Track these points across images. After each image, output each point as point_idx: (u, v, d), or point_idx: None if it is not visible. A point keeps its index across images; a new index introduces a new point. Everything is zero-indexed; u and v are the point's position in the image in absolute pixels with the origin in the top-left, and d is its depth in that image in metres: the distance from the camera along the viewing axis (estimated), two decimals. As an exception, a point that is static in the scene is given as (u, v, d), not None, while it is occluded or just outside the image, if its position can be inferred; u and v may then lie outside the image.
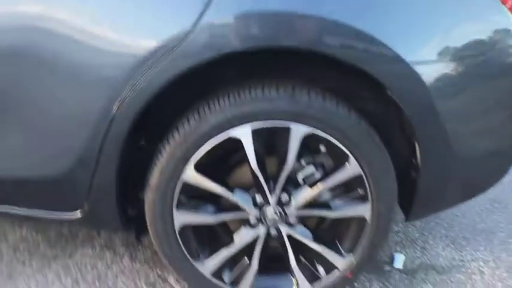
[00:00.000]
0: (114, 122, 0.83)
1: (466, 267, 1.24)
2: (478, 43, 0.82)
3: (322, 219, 1.00)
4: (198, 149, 0.85)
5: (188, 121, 0.85)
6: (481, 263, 1.25)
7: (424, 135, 0.84)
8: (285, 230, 0.93)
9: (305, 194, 0.90)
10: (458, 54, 0.81)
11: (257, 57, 0.79)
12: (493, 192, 1.68)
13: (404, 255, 1.28)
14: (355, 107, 0.85)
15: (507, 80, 0.87)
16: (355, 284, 1.14)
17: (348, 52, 0.76)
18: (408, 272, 1.21)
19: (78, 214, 0.98)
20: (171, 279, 1.15)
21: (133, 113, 0.82)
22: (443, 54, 0.80)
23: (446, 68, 0.80)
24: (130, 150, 0.91)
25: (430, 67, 0.79)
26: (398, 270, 1.22)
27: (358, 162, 0.84)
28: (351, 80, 0.87)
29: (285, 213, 0.91)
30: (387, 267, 1.23)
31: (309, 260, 0.99)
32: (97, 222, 1.03)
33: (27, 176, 0.95)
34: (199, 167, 0.88)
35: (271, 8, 0.75)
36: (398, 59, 0.76)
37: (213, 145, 0.85)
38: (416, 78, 0.78)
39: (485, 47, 0.83)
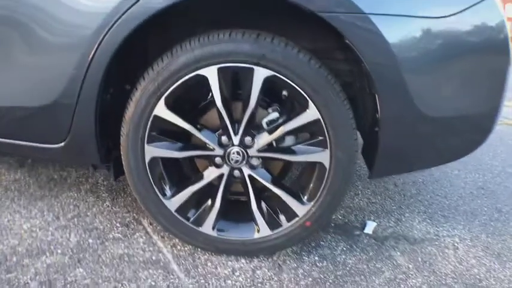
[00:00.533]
0: (92, 63, 0.89)
1: (440, 241, 1.23)
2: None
3: (287, 167, 1.03)
4: (169, 85, 0.90)
5: (162, 60, 0.91)
6: (457, 240, 1.24)
7: (383, 88, 0.86)
8: (246, 171, 0.97)
9: (266, 137, 0.93)
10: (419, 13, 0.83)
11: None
12: (482, 179, 1.68)
13: (377, 224, 1.29)
14: (328, 67, 0.89)
15: (475, 44, 0.87)
16: (321, 242, 1.16)
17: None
18: (378, 238, 1.22)
19: (60, 146, 1.05)
20: (145, 222, 1.21)
21: (110, 53, 0.88)
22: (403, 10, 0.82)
23: (406, 23, 0.83)
24: (114, 93, 0.97)
25: (390, 20, 0.82)
26: (368, 235, 1.22)
27: (317, 108, 0.87)
28: (322, 40, 0.91)
29: (248, 155, 0.95)
30: (357, 232, 1.24)
31: (272, 208, 1.02)
32: (78, 156, 1.09)
33: (17, 106, 1.03)
34: (172, 107, 0.93)
35: None
36: (356, 11, 0.79)
37: (182, 82, 0.90)
38: (374, 30, 0.80)
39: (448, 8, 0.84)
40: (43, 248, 1.08)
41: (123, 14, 0.85)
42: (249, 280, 0.99)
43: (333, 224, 1.27)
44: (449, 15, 0.84)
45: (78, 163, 1.42)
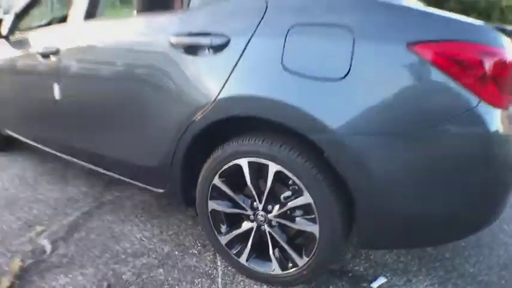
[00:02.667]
0: (182, 138, 1.46)
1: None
2: (408, 117, 1.11)
3: (301, 232, 1.42)
4: (220, 167, 1.42)
5: (217, 150, 1.42)
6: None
7: (358, 192, 1.19)
8: (267, 228, 1.41)
9: (278, 208, 1.36)
10: (388, 128, 1.12)
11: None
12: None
13: (387, 281, 1.55)
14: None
15: (436, 151, 1.12)
16: (330, 286, 1.50)
17: (300, 125, 1.20)
18: None
19: (163, 191, 1.68)
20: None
21: (190, 137, 1.44)
22: (374, 127, 1.13)
23: (375, 139, 1.13)
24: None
25: (361, 138, 1.14)
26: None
27: (310, 195, 1.26)
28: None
29: (268, 218, 1.39)
30: (364, 284, 1.53)
31: (284, 255, 1.43)
32: (172, 197, 1.71)
33: (123, 162, 1.71)
34: (225, 180, 1.43)
35: (253, 94, 1.26)
36: (334, 131, 1.15)
37: (227, 166, 1.40)
38: (347, 147, 1.15)
39: (416, 121, 1.10)
40: (144, 252, 1.72)
41: (197, 117, 1.39)
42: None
43: (350, 274, 1.58)
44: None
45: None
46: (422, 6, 1.23)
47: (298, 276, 1.39)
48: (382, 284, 1.53)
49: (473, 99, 1.07)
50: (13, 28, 2.38)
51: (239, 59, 1.29)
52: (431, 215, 1.19)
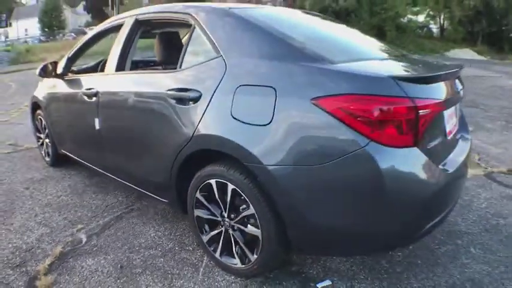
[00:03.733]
0: (177, 158, 1.99)
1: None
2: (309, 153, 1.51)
3: (252, 235, 1.84)
4: (200, 184, 1.93)
5: (199, 171, 1.93)
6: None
7: (281, 207, 1.62)
8: (231, 231, 1.87)
9: (236, 216, 1.83)
10: (299, 161, 1.52)
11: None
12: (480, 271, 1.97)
13: (333, 283, 1.86)
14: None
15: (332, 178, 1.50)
16: (284, 282, 1.86)
17: (241, 157, 1.66)
18: None
19: (168, 201, 2.23)
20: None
21: (182, 159, 1.95)
22: (289, 160, 1.54)
23: (290, 169, 1.55)
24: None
25: (280, 167, 1.57)
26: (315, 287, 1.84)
27: (253, 208, 1.71)
28: None
29: (230, 224, 1.87)
30: (312, 284, 1.86)
31: (243, 253, 1.85)
32: (172, 204, 2.25)
33: (139, 178, 2.28)
34: (205, 194, 1.93)
35: (213, 133, 1.76)
36: (262, 162, 1.58)
37: (204, 184, 1.90)
38: (270, 173, 1.58)
39: (319, 156, 1.48)
40: (153, 246, 2.26)
41: (183, 147, 1.92)
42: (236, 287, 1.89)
43: (303, 275, 1.92)
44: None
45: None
46: (333, 65, 1.57)
47: (252, 270, 1.81)
48: (327, 285, 1.85)
49: (363, 140, 1.41)
50: (66, 69, 3.11)
51: (206, 108, 1.80)
52: (337, 229, 1.56)
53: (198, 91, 1.85)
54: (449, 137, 1.85)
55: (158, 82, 2.14)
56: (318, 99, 1.48)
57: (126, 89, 2.37)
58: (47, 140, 3.63)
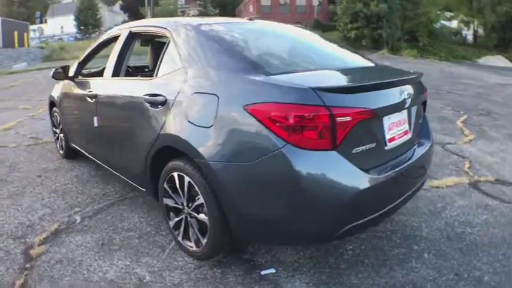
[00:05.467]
0: (149, 153, 2.34)
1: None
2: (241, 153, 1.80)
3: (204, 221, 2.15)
4: (166, 176, 2.26)
5: (166, 165, 2.27)
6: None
7: (221, 198, 1.90)
8: (189, 218, 2.19)
9: (192, 205, 2.15)
10: (232, 158, 1.82)
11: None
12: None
13: (276, 272, 2.08)
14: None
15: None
16: (232, 266, 2.13)
17: (191, 153, 1.98)
18: (263, 278, 2.04)
19: (144, 189, 2.59)
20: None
21: (153, 152, 2.29)
22: (224, 157, 1.84)
23: (224, 164, 1.85)
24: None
25: (218, 163, 1.86)
26: (258, 274, 2.07)
27: (202, 198, 2.01)
28: None
29: (188, 211, 2.19)
30: (257, 270, 2.10)
31: (197, 236, 2.15)
32: (148, 193, 2.60)
33: (124, 169, 2.65)
34: (171, 185, 2.27)
35: (173, 133, 2.09)
36: (204, 158, 1.89)
37: (169, 176, 2.23)
38: (210, 168, 1.88)
39: (248, 155, 1.76)
40: (133, 229, 2.61)
41: (153, 144, 2.26)
42: (191, 266, 2.20)
43: (252, 262, 2.17)
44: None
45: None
46: (267, 76, 1.81)
47: (204, 252, 2.11)
48: (270, 273, 2.07)
49: (281, 143, 1.66)
50: (77, 72, 3.55)
51: (169, 111, 2.14)
52: (262, 219, 1.82)
53: (164, 96, 2.19)
54: (390, 144, 1.99)
55: (139, 87, 2.50)
56: (248, 106, 1.76)
57: (116, 93, 2.76)
58: (61, 135, 4.10)
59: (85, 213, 2.88)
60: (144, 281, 2.06)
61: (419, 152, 2.23)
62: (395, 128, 2.03)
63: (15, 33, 22.53)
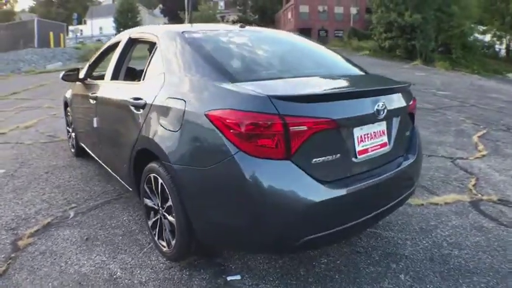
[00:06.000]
0: (132, 154, 2.45)
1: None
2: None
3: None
4: (145, 178, 2.35)
5: (146, 167, 2.36)
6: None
7: (185, 200, 1.95)
8: (163, 219, 2.25)
9: (165, 206, 2.21)
10: (190, 162, 1.87)
11: None
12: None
13: (241, 278, 2.10)
14: None
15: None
16: (201, 269, 2.17)
17: (160, 156, 2.06)
18: (227, 284, 2.04)
19: (131, 189, 2.69)
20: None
21: (135, 152, 2.39)
22: (184, 161, 1.90)
23: (184, 168, 1.90)
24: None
25: (180, 166, 1.92)
26: (224, 280, 2.09)
27: (171, 199, 2.05)
28: None
29: (162, 212, 2.26)
30: (223, 276, 2.12)
31: (168, 237, 2.21)
32: (134, 192, 2.69)
33: (116, 169, 2.76)
34: (150, 186, 2.35)
35: (148, 136, 2.18)
36: (170, 161, 1.95)
37: (147, 177, 2.31)
38: (173, 170, 1.94)
39: (205, 160, 1.80)
40: (120, 226, 2.73)
41: (134, 145, 2.36)
42: (162, 266, 2.25)
43: (222, 267, 2.19)
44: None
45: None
46: (230, 83, 1.84)
47: (173, 253, 2.17)
48: (235, 279, 2.09)
49: (234, 150, 1.67)
50: (87, 75, 3.74)
51: (147, 115, 2.23)
52: (219, 225, 1.85)
53: (144, 100, 2.29)
54: (362, 156, 1.92)
55: (128, 91, 2.61)
56: (209, 112, 1.79)
57: (110, 95, 2.90)
58: (73, 134, 4.32)
59: (80, 210, 3.02)
60: (114, 276, 2.14)
61: (400, 165, 2.14)
62: (369, 140, 1.97)
63: (51, 33, 23.64)
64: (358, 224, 1.91)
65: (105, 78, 3.16)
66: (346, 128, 1.84)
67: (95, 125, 3.16)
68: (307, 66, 2.50)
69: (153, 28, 2.79)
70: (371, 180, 1.91)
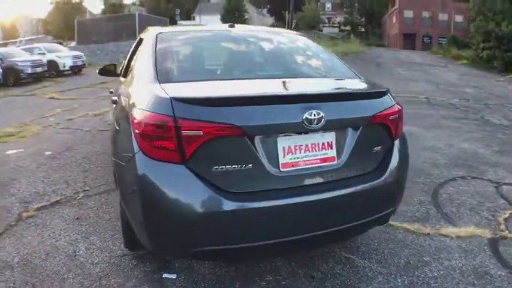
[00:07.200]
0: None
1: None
2: None
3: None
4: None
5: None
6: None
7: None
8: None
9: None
10: (119, 158, 2.00)
11: None
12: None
13: (176, 278, 2.17)
14: None
15: None
16: (150, 264, 2.30)
17: None
18: (159, 280, 2.13)
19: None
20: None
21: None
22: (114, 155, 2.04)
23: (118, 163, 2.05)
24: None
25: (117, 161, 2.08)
26: (159, 276, 2.17)
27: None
28: None
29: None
30: (163, 272, 2.21)
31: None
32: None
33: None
34: None
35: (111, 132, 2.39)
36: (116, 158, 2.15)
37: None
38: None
39: (123, 157, 1.89)
40: (111, 212, 3.03)
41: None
42: (119, 253, 2.47)
43: (168, 264, 2.29)
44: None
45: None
46: (153, 85, 1.83)
47: (125, 242, 2.40)
48: (169, 278, 2.17)
49: (136, 149, 1.69)
50: (125, 70, 4.13)
51: (115, 110, 2.47)
52: (131, 220, 1.93)
53: (115, 96, 2.55)
54: (288, 169, 1.74)
55: (121, 88, 2.89)
56: (131, 111, 1.85)
57: (117, 91, 3.22)
58: (115, 125, 4.84)
59: (89, 192, 3.43)
60: (75, 255, 2.44)
61: (355, 185, 1.86)
62: (302, 153, 1.76)
63: (152, 28, 25.74)
64: (280, 244, 1.75)
65: (121, 75, 3.51)
66: (261, 137, 1.69)
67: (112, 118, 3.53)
68: (264, 69, 2.38)
69: (152, 29, 3.00)
70: (300, 197, 1.72)
